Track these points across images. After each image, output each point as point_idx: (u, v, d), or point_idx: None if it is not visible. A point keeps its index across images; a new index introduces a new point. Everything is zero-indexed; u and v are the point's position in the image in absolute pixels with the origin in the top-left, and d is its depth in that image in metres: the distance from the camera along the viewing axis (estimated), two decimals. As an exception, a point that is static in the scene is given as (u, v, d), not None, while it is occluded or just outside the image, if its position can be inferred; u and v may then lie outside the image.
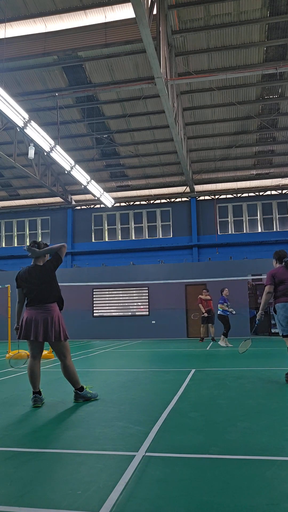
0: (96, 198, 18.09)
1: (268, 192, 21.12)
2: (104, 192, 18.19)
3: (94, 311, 19.00)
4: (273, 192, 21.11)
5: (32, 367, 4.49)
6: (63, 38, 12.67)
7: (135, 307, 18.77)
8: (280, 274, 5.61)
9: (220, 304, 11.89)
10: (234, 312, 11.92)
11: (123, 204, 22.33)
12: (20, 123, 11.24)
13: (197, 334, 16.14)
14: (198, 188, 21.50)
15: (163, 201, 22.09)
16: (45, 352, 9.08)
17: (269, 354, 9.73)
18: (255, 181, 20.94)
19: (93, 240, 22.70)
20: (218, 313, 11.89)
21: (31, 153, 13.50)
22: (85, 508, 2.03)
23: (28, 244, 4.76)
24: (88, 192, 17.49)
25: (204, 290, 14.05)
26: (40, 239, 23.18)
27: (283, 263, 5.70)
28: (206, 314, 13.50)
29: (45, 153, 13.48)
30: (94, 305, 19.03)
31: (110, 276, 18.77)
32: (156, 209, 22.19)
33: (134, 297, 18.82)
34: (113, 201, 19.59)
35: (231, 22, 12.25)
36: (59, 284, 4.77)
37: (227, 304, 11.85)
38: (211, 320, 13.62)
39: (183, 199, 21.86)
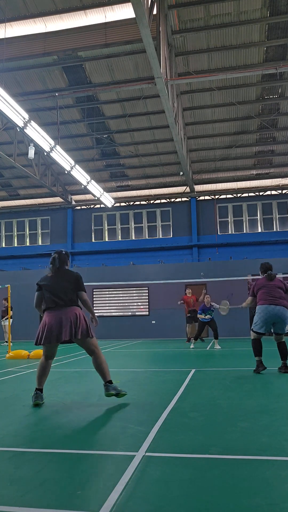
0: (96, 198, 18.09)
1: (268, 192, 21.11)
2: (104, 192, 18.18)
3: (94, 311, 18.97)
4: (273, 192, 21.10)
5: (44, 367, 4.58)
6: (63, 38, 12.67)
7: (135, 307, 18.77)
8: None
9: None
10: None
11: (123, 204, 22.32)
12: (20, 123, 11.24)
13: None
14: (198, 188, 21.49)
15: (163, 201, 22.08)
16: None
17: (269, 354, 9.71)
18: (255, 181, 20.92)
19: (93, 240, 22.69)
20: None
21: (31, 153, 13.50)
22: (85, 508, 2.03)
23: (55, 254, 4.70)
24: (88, 192, 17.49)
25: (188, 290, 14.45)
26: (40, 239, 23.19)
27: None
28: (189, 314, 13.94)
29: (45, 153, 13.49)
30: (94, 305, 19.02)
31: (110, 276, 18.77)
32: (156, 209, 22.18)
33: (134, 297, 18.82)
34: (113, 201, 19.60)
35: (231, 22, 12.24)
36: None
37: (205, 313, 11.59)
38: (195, 319, 13.62)
39: (183, 199, 21.85)
